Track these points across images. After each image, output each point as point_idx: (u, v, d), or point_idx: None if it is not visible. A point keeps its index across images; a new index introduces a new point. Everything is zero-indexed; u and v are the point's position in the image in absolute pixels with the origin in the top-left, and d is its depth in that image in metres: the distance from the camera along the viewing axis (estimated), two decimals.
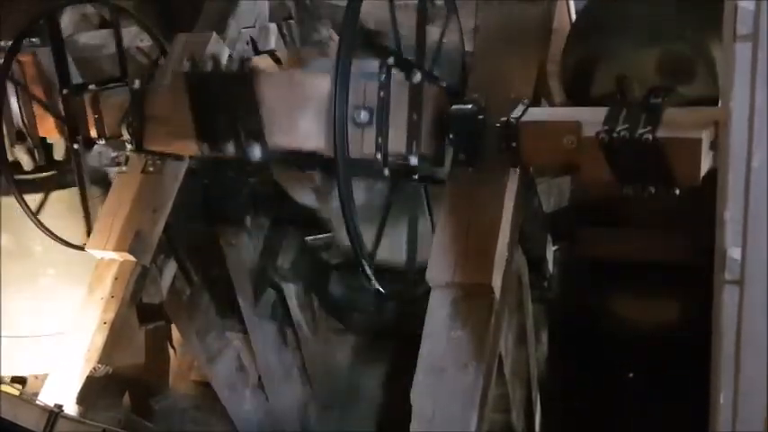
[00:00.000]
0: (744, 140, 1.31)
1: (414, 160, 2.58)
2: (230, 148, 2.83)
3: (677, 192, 2.22)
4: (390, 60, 2.49)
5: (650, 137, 2.17)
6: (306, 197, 4.08)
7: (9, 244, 4.17)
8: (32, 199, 3.94)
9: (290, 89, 2.74)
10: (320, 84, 2.62)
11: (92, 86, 3.49)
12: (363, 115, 2.53)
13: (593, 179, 2.38)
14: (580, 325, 3.87)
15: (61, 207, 4.05)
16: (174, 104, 2.93)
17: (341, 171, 2.25)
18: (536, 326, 3.49)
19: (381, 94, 2.50)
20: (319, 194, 4.02)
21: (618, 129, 2.22)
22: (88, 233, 3.60)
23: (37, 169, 3.97)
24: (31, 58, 3.64)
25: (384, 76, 2.49)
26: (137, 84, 3.16)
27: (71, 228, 3.73)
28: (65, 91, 3.47)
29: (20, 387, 4.42)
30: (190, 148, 2.99)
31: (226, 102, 2.77)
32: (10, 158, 3.86)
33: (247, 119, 2.73)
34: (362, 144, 2.56)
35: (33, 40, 3.66)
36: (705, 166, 2.16)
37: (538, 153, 2.58)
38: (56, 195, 4.06)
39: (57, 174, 4.03)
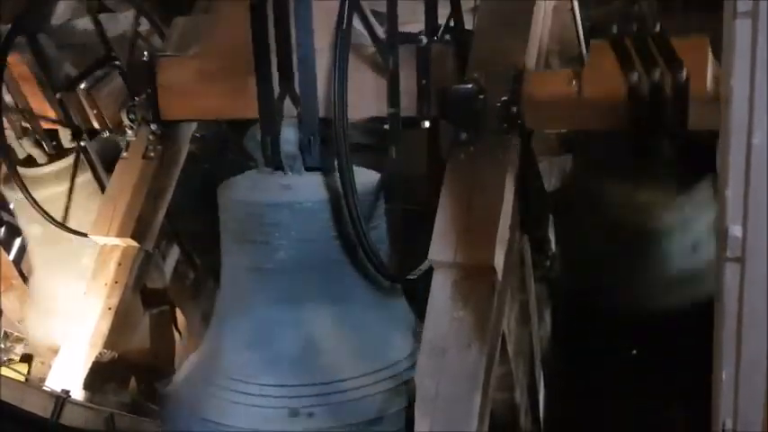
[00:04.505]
0: (744, 118, 1.30)
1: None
2: None
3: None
4: None
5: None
6: None
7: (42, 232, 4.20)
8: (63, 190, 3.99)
9: None
10: None
11: (83, 85, 3.44)
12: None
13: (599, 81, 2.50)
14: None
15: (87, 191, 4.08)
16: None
17: (343, 164, 2.28)
18: (538, 304, 3.50)
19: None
20: None
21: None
22: None
23: (54, 158, 3.98)
24: (17, 56, 3.61)
25: None
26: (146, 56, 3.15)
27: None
28: (58, 95, 3.44)
29: (24, 370, 4.46)
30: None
31: None
32: (21, 154, 3.87)
33: None
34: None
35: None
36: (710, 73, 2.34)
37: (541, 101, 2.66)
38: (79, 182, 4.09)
39: (75, 160, 4.04)
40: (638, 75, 2.40)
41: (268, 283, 2.73)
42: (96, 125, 3.46)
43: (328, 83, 2.50)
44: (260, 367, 2.69)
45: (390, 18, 2.65)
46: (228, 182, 2.93)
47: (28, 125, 3.78)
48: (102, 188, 3.74)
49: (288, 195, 2.67)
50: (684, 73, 2.34)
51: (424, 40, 2.67)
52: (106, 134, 3.45)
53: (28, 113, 3.71)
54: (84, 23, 4.41)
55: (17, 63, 3.60)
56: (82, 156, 3.95)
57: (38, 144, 3.90)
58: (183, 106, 3.22)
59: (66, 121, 3.52)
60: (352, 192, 2.45)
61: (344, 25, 2.39)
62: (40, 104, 3.69)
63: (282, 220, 2.65)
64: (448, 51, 2.87)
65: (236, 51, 2.77)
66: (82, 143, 3.51)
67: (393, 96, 2.70)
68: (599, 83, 2.53)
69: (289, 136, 2.68)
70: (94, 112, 3.38)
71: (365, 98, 2.71)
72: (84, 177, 4.08)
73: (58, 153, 3.99)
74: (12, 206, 4.83)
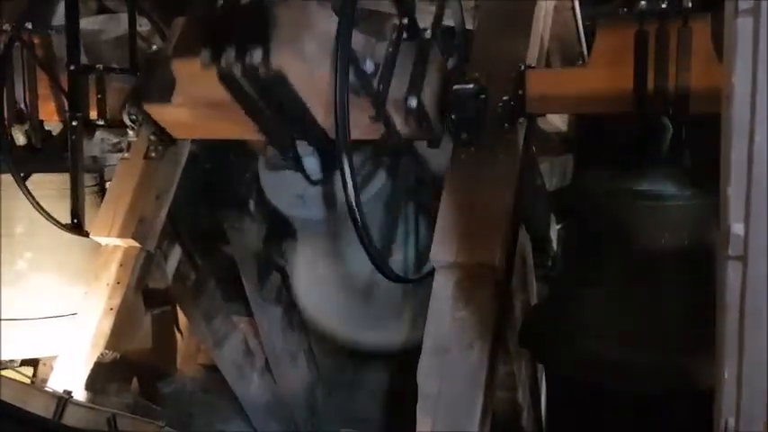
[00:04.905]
0: (746, 116, 1.31)
1: (413, 102, 2.51)
2: None
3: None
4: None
5: None
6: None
7: None
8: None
9: None
10: None
11: (99, 65, 3.49)
12: (369, 65, 2.46)
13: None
14: None
15: (47, 191, 4.00)
16: None
17: (345, 159, 2.29)
18: None
19: (390, 49, 2.48)
20: None
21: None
22: (73, 212, 3.58)
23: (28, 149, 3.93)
24: (41, 40, 3.63)
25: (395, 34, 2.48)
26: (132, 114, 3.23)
27: (54, 213, 3.70)
28: (72, 67, 3.45)
29: (30, 372, 4.45)
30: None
31: None
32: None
33: None
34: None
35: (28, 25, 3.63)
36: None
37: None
38: (47, 178, 4.01)
39: (46, 154, 3.93)
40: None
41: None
42: (95, 112, 3.46)
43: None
44: None
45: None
46: (284, 191, 3.34)
47: (24, 108, 3.74)
48: (75, 176, 3.62)
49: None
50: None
51: (413, 103, 2.50)
52: (101, 123, 3.45)
53: (31, 101, 3.69)
54: (84, 23, 4.42)
55: (41, 47, 3.64)
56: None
57: (26, 134, 3.84)
58: (186, 133, 3.33)
59: (68, 99, 3.49)
60: (355, 196, 2.42)
61: (344, 23, 2.35)
62: (48, 89, 3.68)
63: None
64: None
65: (217, 100, 2.62)
66: (74, 123, 3.45)
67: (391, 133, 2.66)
68: (606, 37, 2.60)
69: (312, 167, 2.73)
70: (98, 96, 3.39)
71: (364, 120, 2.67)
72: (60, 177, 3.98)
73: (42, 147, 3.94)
74: None
